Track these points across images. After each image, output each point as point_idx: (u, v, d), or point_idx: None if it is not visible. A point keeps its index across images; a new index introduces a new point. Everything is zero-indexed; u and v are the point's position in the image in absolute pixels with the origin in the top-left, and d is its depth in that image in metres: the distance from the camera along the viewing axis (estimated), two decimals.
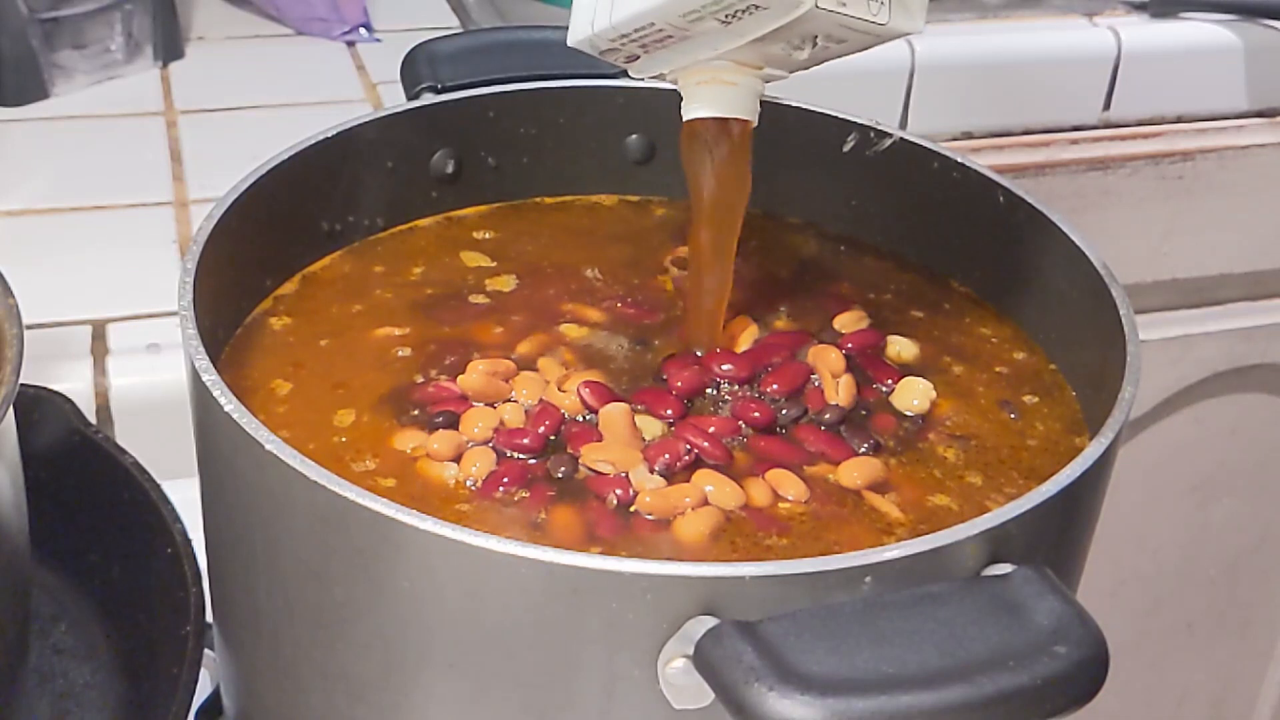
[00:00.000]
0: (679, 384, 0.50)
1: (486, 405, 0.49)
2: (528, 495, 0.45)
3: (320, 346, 0.52)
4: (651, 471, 0.46)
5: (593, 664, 0.37)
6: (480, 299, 0.55)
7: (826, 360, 0.51)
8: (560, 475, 0.46)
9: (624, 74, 0.60)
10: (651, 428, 0.48)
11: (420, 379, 0.50)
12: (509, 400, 0.49)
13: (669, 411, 0.48)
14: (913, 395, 0.51)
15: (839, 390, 0.50)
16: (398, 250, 0.57)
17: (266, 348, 0.52)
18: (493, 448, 0.47)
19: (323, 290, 0.55)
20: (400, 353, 0.52)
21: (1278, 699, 1.41)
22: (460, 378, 0.50)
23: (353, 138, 0.55)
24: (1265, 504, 1.30)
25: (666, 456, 0.46)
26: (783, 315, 0.55)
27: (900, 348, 0.53)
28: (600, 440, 0.47)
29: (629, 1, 0.46)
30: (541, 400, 0.49)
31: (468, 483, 0.45)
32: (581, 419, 0.48)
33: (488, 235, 0.59)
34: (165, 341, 0.70)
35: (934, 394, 0.51)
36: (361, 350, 0.52)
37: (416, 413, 0.48)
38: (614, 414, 0.48)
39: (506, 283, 0.56)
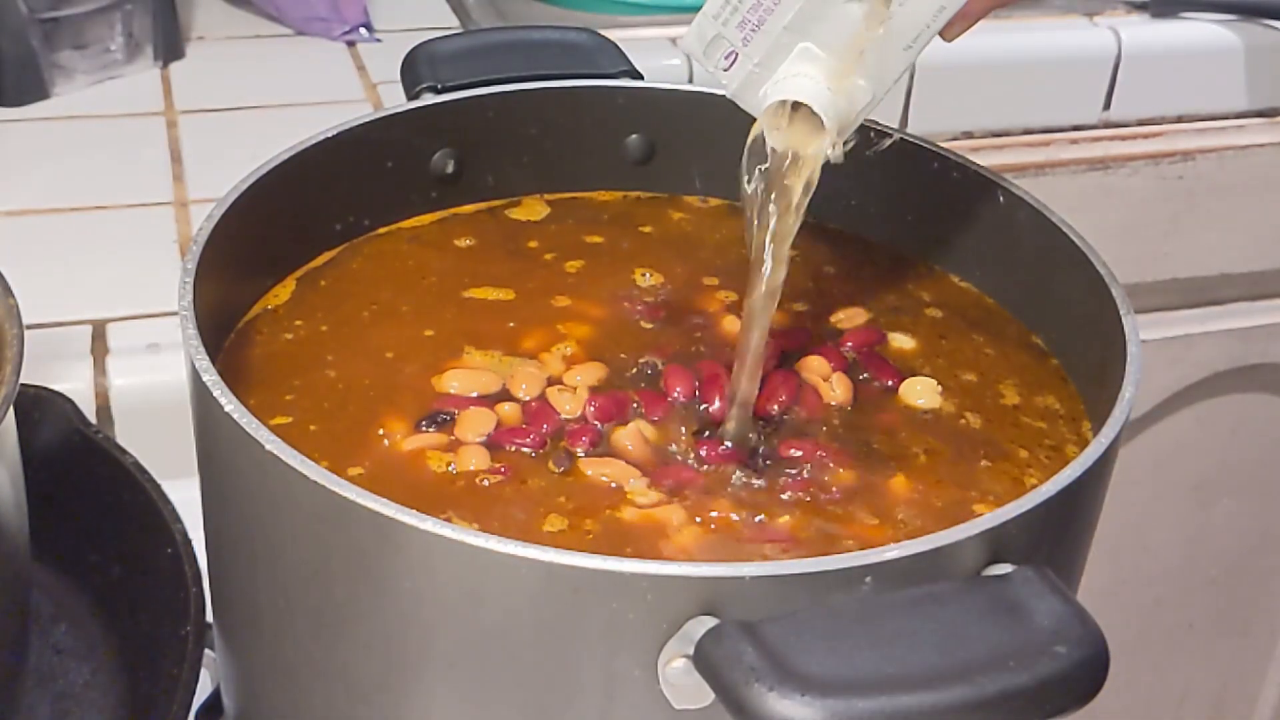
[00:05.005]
0: (677, 388, 0.50)
1: (485, 402, 0.49)
2: (526, 493, 0.45)
3: (320, 345, 0.52)
4: (648, 488, 0.46)
5: (593, 664, 0.37)
6: (480, 295, 0.55)
7: (813, 367, 0.51)
8: (559, 473, 0.46)
9: (624, 74, 0.60)
10: (656, 438, 0.48)
11: (420, 376, 0.50)
12: (509, 398, 0.49)
13: (658, 417, 0.48)
14: (916, 393, 0.51)
15: (835, 389, 0.50)
16: (397, 250, 0.57)
17: (267, 347, 0.52)
18: (489, 444, 0.47)
19: (323, 290, 0.55)
20: (401, 350, 0.52)
21: (1278, 699, 1.41)
22: (460, 375, 0.50)
23: (353, 138, 0.55)
24: (1265, 504, 1.29)
25: (669, 483, 0.46)
26: (782, 313, 0.55)
27: (901, 344, 0.53)
28: (599, 439, 0.47)
29: None
30: (542, 397, 0.49)
31: (461, 479, 0.45)
32: (583, 419, 0.48)
33: (488, 234, 0.59)
34: (165, 341, 0.70)
35: (938, 390, 0.51)
36: (362, 349, 0.52)
37: (415, 410, 0.48)
38: (625, 437, 0.47)
39: (507, 279, 0.56)
